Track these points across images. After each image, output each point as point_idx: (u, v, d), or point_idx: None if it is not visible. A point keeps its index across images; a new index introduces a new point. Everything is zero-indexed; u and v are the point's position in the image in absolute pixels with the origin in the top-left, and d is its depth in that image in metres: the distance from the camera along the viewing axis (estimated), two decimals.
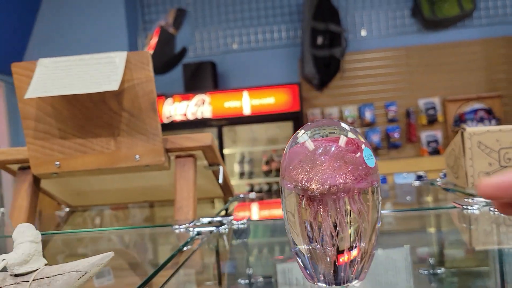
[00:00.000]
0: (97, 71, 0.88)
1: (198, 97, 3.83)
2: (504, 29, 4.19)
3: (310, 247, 0.42)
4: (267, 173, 4.03)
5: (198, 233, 0.79)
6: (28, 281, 0.51)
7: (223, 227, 0.81)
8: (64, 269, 0.51)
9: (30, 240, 0.52)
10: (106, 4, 4.20)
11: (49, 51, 4.20)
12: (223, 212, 1.10)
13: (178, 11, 3.63)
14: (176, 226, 0.83)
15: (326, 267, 0.42)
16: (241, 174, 4.03)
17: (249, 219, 0.86)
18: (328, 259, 0.42)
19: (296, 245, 0.44)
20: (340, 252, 0.41)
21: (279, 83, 3.99)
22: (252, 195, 1.25)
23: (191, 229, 0.81)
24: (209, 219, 0.87)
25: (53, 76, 0.88)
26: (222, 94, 3.91)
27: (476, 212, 0.79)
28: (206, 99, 3.83)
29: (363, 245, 0.42)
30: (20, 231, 0.53)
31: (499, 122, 4.09)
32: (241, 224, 0.84)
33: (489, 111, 4.17)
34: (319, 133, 0.44)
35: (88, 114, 0.92)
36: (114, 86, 0.85)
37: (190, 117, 3.86)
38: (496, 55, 4.21)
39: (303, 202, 0.42)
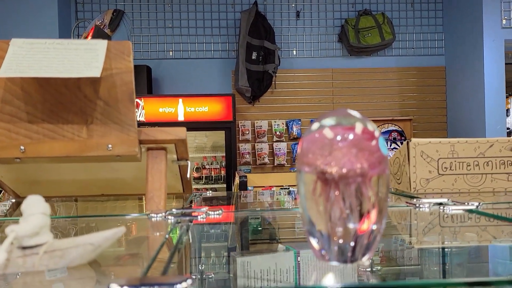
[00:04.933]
0: (77, 57, 0.87)
1: None
2: (416, 60, 4.65)
3: (323, 227, 0.46)
4: (197, 180, 4.04)
5: (178, 222, 0.81)
6: (38, 254, 0.51)
7: (201, 216, 0.84)
8: (77, 243, 0.52)
9: (41, 212, 0.52)
10: None
11: None
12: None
13: (115, 12, 3.55)
14: (153, 215, 0.84)
15: (336, 246, 0.46)
16: None
17: (222, 210, 0.89)
18: (339, 239, 0.45)
19: (310, 225, 0.47)
20: (350, 232, 0.45)
21: (213, 93, 4.05)
22: (209, 193, 1.28)
23: (169, 217, 0.83)
24: (181, 210, 0.89)
25: (29, 57, 0.85)
26: (157, 99, 3.87)
27: (427, 210, 0.90)
28: (140, 103, 3.76)
29: (372, 227, 0.46)
30: (30, 203, 0.52)
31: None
32: (216, 214, 0.87)
33: (401, 133, 4.58)
34: (337, 122, 0.48)
35: (61, 99, 0.90)
36: (96, 72, 0.85)
37: None
38: (409, 83, 4.64)
39: (319, 185, 0.45)
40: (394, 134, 4.59)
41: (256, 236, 1.06)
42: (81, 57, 0.87)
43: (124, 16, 3.64)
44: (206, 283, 0.64)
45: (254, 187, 2.98)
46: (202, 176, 4.03)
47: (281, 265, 1.20)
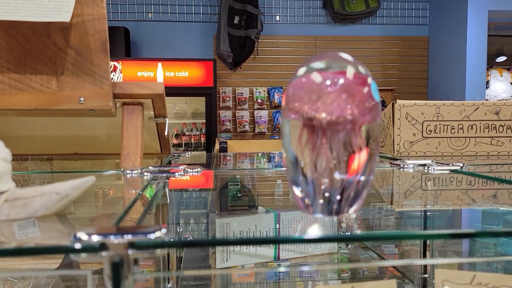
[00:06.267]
0: (45, 0, 0.80)
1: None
2: (400, 30, 4.62)
3: (308, 177, 0.43)
4: (177, 146, 3.98)
5: (154, 178, 0.77)
6: None
7: (179, 172, 0.80)
8: (43, 191, 0.48)
9: (1, 157, 0.47)
10: None
11: None
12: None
13: None
14: (128, 171, 0.80)
15: (322, 198, 0.43)
16: None
17: (201, 167, 0.86)
18: (325, 190, 0.42)
19: (294, 175, 0.44)
20: (337, 183, 0.42)
21: (193, 58, 3.94)
22: (189, 154, 1.25)
23: (145, 174, 0.79)
24: (158, 167, 0.85)
25: None
26: (135, 63, 3.75)
27: (411, 170, 0.89)
28: (118, 67, 3.64)
29: (360, 178, 0.43)
30: None
31: None
32: (195, 171, 0.84)
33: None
34: (327, 66, 0.44)
35: (28, 47, 0.83)
36: (65, 17, 0.78)
37: None
38: (392, 53, 4.62)
39: (305, 132, 0.42)
40: None
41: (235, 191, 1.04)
42: (49, 0, 0.80)
43: None
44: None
45: (238, 153, 2.95)
46: (182, 143, 3.98)
47: (261, 227, 1.18)
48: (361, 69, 0.45)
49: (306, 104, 0.43)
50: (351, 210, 0.45)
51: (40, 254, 0.37)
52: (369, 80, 0.45)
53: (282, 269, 1.26)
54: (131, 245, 0.36)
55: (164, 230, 0.37)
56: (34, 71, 0.84)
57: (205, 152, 3.91)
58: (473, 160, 1.09)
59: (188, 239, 0.59)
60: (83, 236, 0.35)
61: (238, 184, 1.12)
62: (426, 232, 0.51)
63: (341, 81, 0.44)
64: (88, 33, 0.84)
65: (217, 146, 2.85)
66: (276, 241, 0.71)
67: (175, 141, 3.99)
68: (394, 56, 4.62)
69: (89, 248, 0.35)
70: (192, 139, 3.99)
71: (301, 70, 0.45)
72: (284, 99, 0.45)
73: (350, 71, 0.45)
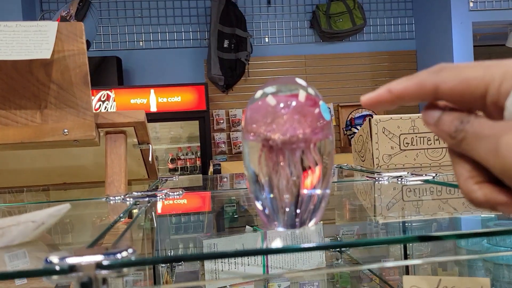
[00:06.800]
0: (26, 39, 0.84)
1: (102, 93, 3.69)
2: (388, 45, 4.70)
3: (269, 194, 0.46)
4: (173, 171, 4.01)
5: (135, 203, 0.80)
6: None
7: (159, 196, 0.83)
8: (19, 220, 0.51)
9: None
10: None
11: None
12: None
13: (81, 2, 3.46)
14: (111, 198, 0.83)
15: (284, 212, 0.46)
16: None
17: (183, 190, 0.89)
18: (286, 205, 0.46)
19: (256, 193, 0.47)
20: (296, 198, 0.45)
21: (185, 83, 4.00)
22: (176, 177, 1.27)
23: (127, 199, 0.82)
24: (141, 192, 0.88)
25: None
26: (128, 91, 3.81)
27: (386, 183, 0.92)
28: (111, 95, 3.69)
29: (318, 191, 0.46)
30: None
31: None
32: (176, 194, 0.87)
33: None
34: (280, 90, 0.49)
35: (12, 84, 0.87)
36: (46, 54, 0.83)
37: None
38: (381, 68, 4.69)
39: (264, 152, 0.46)
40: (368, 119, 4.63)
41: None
42: (30, 39, 0.84)
43: (91, 6, 3.56)
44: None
45: (229, 175, 2.97)
46: (178, 167, 4.00)
47: (249, 246, 1.20)
48: (312, 91, 0.49)
49: (262, 126, 0.47)
50: (311, 222, 0.49)
51: (13, 279, 0.40)
52: (320, 101, 0.49)
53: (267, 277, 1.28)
54: (99, 265, 0.38)
55: (130, 250, 0.40)
56: (19, 106, 0.88)
57: (200, 175, 3.94)
58: (451, 169, 1.12)
59: (155, 257, 0.62)
60: (54, 259, 0.38)
61: (227, 205, 1.14)
62: (399, 236, 0.54)
63: (294, 103, 0.47)
64: (69, 68, 0.88)
65: (211, 169, 2.88)
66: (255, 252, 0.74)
67: (171, 165, 4.02)
68: (383, 71, 4.69)
69: (59, 270, 0.38)
70: (188, 163, 4.02)
71: (258, 94, 0.49)
72: (243, 122, 0.49)
73: (301, 94, 0.48)
